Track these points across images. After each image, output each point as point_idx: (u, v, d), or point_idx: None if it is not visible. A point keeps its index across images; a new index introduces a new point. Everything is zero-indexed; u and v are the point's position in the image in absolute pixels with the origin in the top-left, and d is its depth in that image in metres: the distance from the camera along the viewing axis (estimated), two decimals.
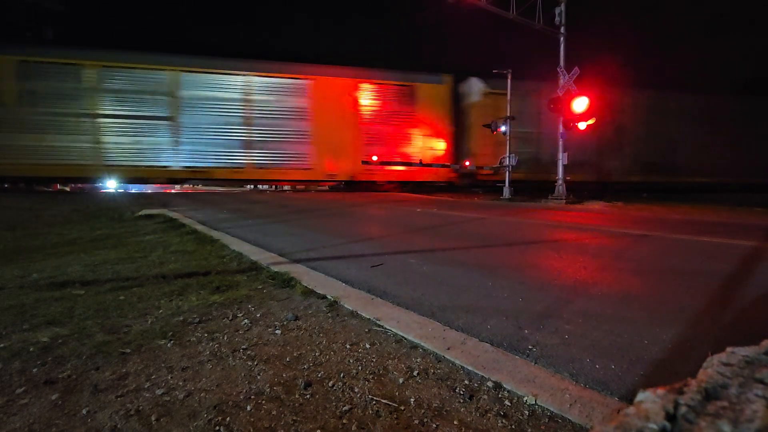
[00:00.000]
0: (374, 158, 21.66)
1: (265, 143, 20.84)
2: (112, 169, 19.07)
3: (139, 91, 19.30)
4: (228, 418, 1.29)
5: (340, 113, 21.58)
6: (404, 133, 22.37)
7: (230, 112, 20.38)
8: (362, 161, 21.68)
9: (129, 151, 19.25)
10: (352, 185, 21.79)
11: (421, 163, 22.06)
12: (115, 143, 19.08)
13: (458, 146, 23.03)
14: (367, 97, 22.05)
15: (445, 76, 22.75)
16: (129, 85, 19.17)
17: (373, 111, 22.11)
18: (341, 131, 21.50)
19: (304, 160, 21.34)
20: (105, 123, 18.95)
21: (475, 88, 22.14)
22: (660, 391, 0.54)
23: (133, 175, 19.60)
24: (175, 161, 19.82)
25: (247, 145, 20.68)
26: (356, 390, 1.46)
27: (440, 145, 22.76)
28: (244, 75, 20.54)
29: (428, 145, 22.58)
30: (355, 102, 21.90)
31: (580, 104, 12.51)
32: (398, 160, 22.10)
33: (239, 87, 20.54)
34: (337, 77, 21.62)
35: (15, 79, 17.72)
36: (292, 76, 20.99)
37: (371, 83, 22.04)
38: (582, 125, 12.83)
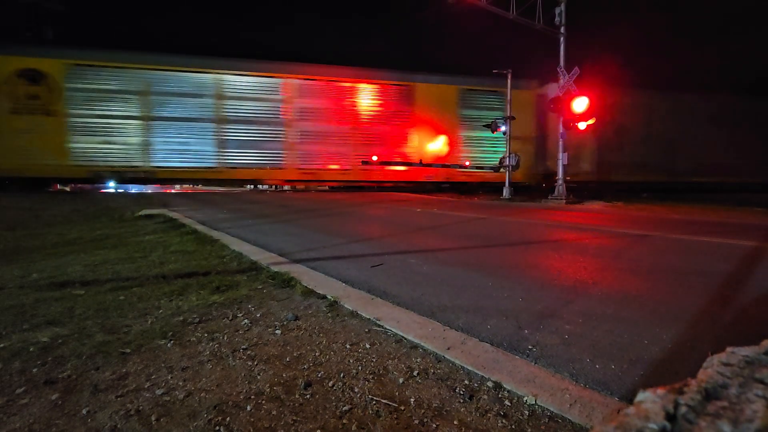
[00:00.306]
0: (467, 163, 23.00)
1: (377, 147, 22.08)
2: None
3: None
4: (228, 418, 1.29)
5: (441, 119, 22.62)
6: (496, 140, 23.20)
7: (339, 118, 21.46)
8: (460, 166, 22.74)
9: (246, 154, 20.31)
10: (440, 186, 22.83)
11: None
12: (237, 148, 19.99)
13: (539, 149, 23.88)
14: (467, 105, 22.99)
15: (532, 82, 23.49)
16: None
17: (472, 118, 23.04)
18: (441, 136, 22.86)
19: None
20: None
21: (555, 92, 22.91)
22: (660, 391, 0.54)
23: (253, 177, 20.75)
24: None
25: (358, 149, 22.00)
26: (356, 390, 1.46)
27: (529, 148, 23.65)
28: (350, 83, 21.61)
29: (520, 149, 23.59)
30: (455, 108, 22.88)
31: (579, 104, 12.53)
32: (487, 164, 23.10)
33: (346, 94, 21.61)
34: (440, 84, 22.60)
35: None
36: (398, 83, 21.87)
37: (470, 89, 22.98)
38: (582, 125, 12.84)
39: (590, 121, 12.85)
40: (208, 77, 19.97)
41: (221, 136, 20.25)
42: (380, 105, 22.17)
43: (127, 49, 19.22)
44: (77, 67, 18.02)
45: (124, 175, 18.94)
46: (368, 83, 21.97)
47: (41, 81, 17.37)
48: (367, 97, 22.05)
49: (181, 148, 19.60)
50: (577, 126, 13.02)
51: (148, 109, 19.14)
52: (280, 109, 21.06)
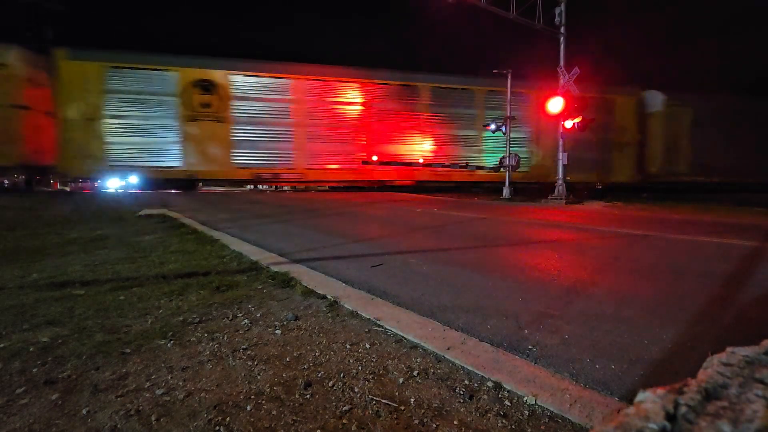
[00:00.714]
0: (466, 163, 23.81)
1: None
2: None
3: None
4: (228, 418, 1.29)
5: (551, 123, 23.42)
6: (605, 141, 24.37)
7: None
8: (562, 165, 24.01)
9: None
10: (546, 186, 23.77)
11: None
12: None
13: (641, 151, 25.26)
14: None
15: (635, 89, 24.84)
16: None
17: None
18: (551, 140, 23.66)
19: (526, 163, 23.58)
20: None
21: (656, 99, 24.65)
22: (660, 391, 0.54)
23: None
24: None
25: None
26: (356, 390, 1.46)
27: (630, 151, 24.77)
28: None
29: (623, 152, 24.95)
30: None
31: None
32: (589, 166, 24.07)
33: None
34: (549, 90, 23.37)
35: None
36: (517, 91, 22.25)
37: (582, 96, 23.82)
38: (568, 124, 12.91)
39: (576, 120, 12.91)
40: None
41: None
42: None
43: (277, 60, 21.15)
44: (246, 77, 19.95)
45: (280, 177, 20.89)
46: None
47: (213, 90, 19.33)
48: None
49: (331, 153, 21.51)
50: (575, 125, 13.03)
51: (303, 117, 20.98)
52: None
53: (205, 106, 19.24)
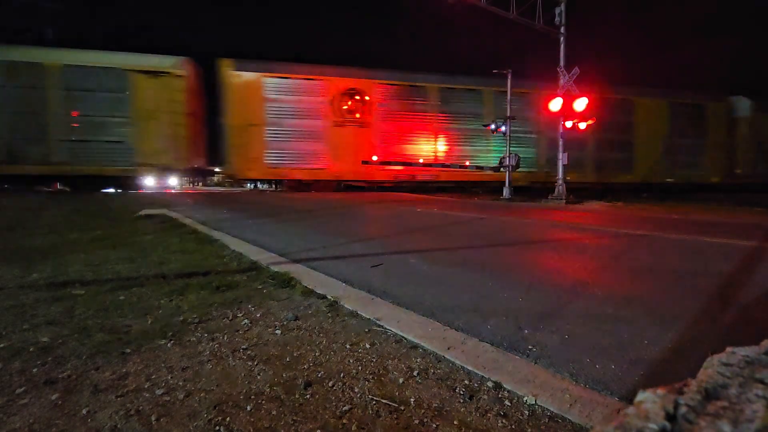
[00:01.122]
0: (467, 163, 24.16)
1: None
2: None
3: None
4: (228, 418, 1.29)
5: (655, 130, 24.83)
6: (700, 144, 25.74)
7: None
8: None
9: None
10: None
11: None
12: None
13: (729, 155, 26.50)
14: (677, 118, 25.26)
15: (724, 95, 26.05)
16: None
17: (675, 128, 25.38)
18: (655, 143, 25.04)
19: (629, 165, 24.96)
20: None
21: (744, 105, 26.00)
22: (660, 391, 0.54)
23: None
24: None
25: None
26: (356, 390, 1.46)
27: (720, 154, 25.99)
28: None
29: (714, 154, 26.21)
30: (663, 120, 25.26)
31: (579, 104, 12.53)
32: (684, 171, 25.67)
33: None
34: (655, 98, 24.89)
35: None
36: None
37: (675, 103, 25.31)
38: (582, 125, 12.85)
39: (590, 121, 12.87)
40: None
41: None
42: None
43: (423, 71, 22.23)
44: (388, 86, 21.19)
45: (416, 178, 21.93)
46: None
47: (358, 98, 21.02)
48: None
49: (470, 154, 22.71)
50: (577, 126, 13.03)
51: (444, 124, 22.14)
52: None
53: (350, 113, 20.91)
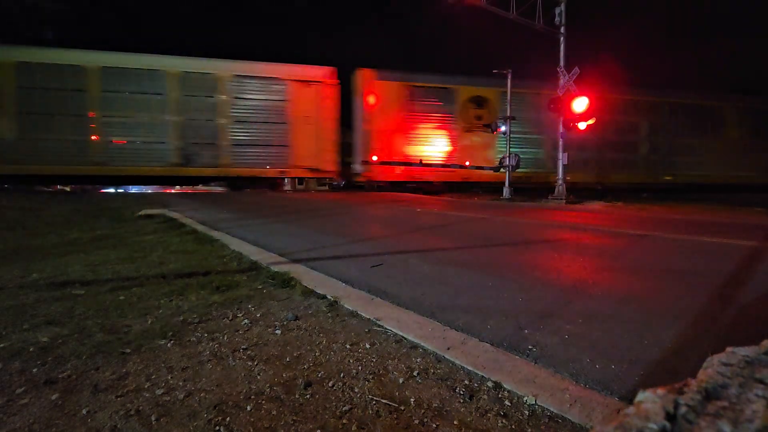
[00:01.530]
0: (467, 163, 24.93)
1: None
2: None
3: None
4: (228, 418, 1.29)
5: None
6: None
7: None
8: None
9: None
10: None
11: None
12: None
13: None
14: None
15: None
16: None
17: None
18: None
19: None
20: None
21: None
22: (660, 391, 0.54)
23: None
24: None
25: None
26: (356, 390, 1.46)
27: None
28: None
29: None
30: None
31: (579, 104, 12.53)
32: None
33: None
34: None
35: None
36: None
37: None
38: (582, 125, 12.84)
39: (590, 121, 12.85)
40: None
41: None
42: None
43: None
44: (512, 94, 21.15)
45: (531, 180, 22.38)
46: None
47: (484, 105, 22.50)
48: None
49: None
50: (577, 126, 13.01)
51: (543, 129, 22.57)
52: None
53: (478, 119, 22.22)
